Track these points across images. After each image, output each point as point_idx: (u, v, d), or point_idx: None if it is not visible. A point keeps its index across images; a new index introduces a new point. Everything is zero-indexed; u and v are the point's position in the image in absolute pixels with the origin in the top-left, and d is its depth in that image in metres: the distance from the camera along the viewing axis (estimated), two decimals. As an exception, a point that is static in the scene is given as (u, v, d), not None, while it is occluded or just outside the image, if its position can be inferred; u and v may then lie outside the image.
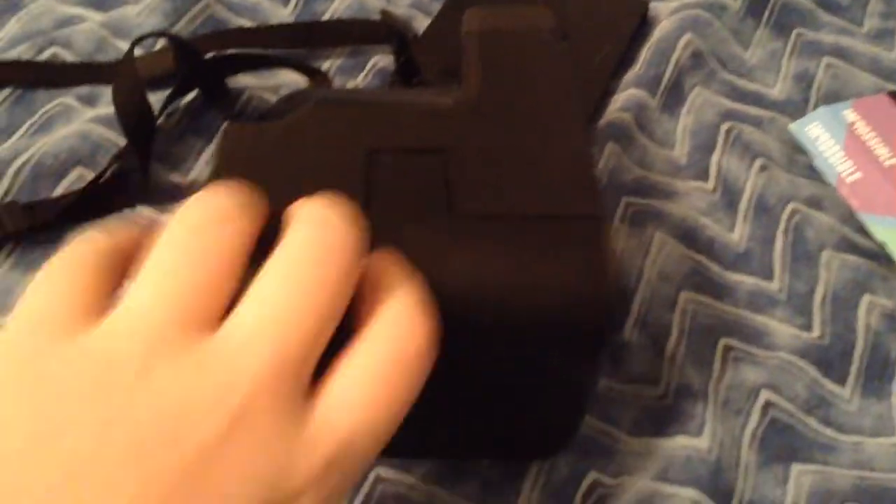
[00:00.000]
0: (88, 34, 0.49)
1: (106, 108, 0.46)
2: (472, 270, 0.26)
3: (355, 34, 0.51)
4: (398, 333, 0.20)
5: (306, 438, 0.19)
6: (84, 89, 0.48)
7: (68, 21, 0.50)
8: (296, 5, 0.53)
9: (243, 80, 0.49)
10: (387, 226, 0.25)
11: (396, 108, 0.30)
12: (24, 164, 0.44)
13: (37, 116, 0.46)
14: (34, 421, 0.18)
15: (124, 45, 0.50)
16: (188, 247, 0.20)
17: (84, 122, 0.45)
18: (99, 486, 0.17)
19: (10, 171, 0.43)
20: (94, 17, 0.50)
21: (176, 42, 0.45)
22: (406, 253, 0.25)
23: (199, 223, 0.20)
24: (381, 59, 0.51)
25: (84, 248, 0.21)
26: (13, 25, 0.50)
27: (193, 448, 0.17)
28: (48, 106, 0.47)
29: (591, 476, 0.35)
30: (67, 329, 0.19)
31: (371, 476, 0.34)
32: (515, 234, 0.27)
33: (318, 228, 0.20)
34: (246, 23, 0.51)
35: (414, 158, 0.28)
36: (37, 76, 0.47)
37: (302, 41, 0.50)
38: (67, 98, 0.47)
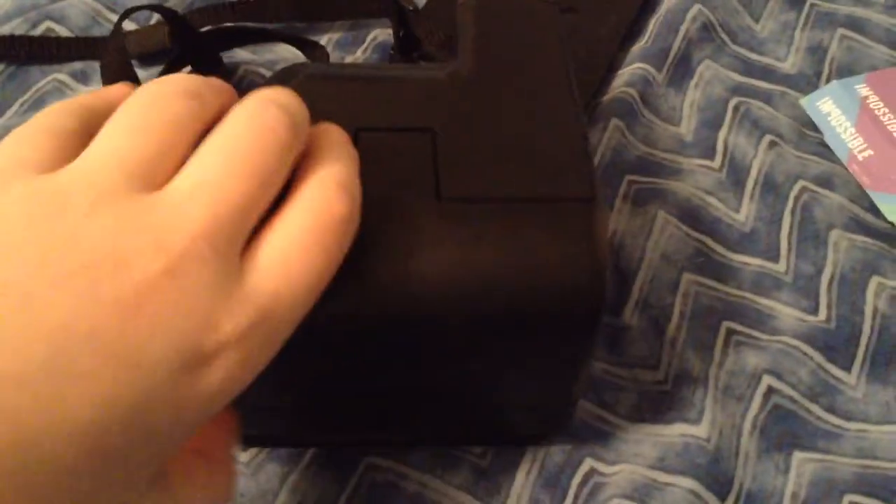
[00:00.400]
0: (82, 8, 0.48)
1: (98, 84, 0.45)
2: (459, 257, 0.25)
3: (355, 7, 0.49)
4: (317, 207, 0.22)
5: (234, 296, 0.20)
6: (78, 65, 0.47)
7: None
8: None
9: (238, 56, 0.48)
10: (372, 209, 0.24)
11: (387, 84, 0.29)
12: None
13: (29, 94, 0.46)
14: None
15: (119, 20, 0.49)
16: (147, 112, 0.22)
17: (77, 100, 0.44)
18: (38, 302, 0.18)
19: (3, 149, 0.43)
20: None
21: (169, 16, 0.44)
22: (392, 238, 0.25)
23: (161, 94, 0.22)
24: (381, 34, 0.49)
25: (68, 105, 0.23)
26: (6, 0, 0.49)
27: (129, 286, 0.19)
28: (41, 83, 0.46)
29: (587, 464, 0.34)
30: (30, 170, 0.20)
31: (362, 464, 0.34)
32: (505, 218, 0.26)
33: (258, 108, 0.22)
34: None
35: (402, 138, 0.27)
36: (30, 52, 0.46)
37: (300, 14, 0.49)
38: (61, 75, 0.46)
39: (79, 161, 0.21)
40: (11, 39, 0.47)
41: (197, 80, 0.23)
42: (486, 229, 0.25)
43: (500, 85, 0.29)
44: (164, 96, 0.22)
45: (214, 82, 0.24)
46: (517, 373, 0.29)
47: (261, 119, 0.22)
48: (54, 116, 0.22)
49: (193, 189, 0.20)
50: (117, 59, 0.41)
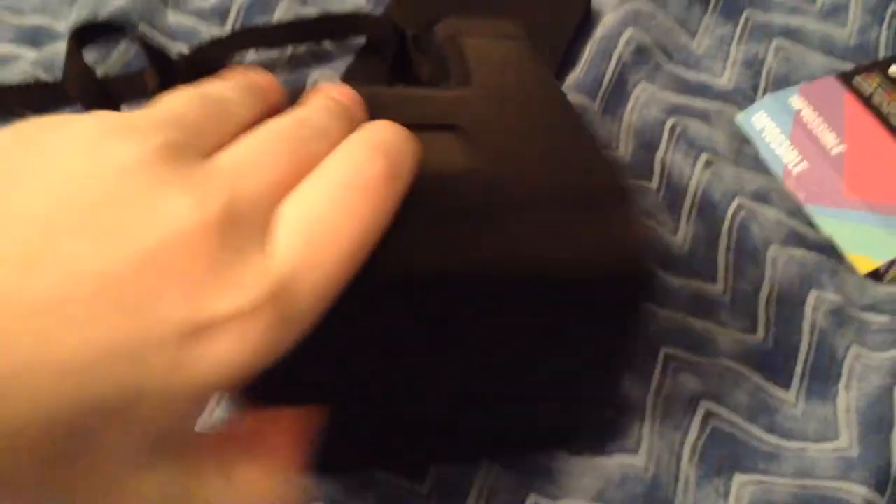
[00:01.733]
0: (21, 76, 0.49)
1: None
2: (508, 245, 0.25)
3: (354, 28, 0.50)
4: (343, 171, 0.22)
5: (249, 270, 0.20)
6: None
7: (1, 61, 0.50)
8: (233, 25, 0.52)
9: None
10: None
11: (402, 95, 0.30)
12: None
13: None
14: (30, 165, 0.19)
15: (61, 81, 0.49)
16: (201, 91, 0.23)
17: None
18: (60, 233, 0.18)
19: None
20: (27, 56, 0.50)
21: (134, 34, 0.46)
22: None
23: (217, 81, 0.24)
24: (322, 73, 0.50)
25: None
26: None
27: (154, 238, 0.19)
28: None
29: (531, 499, 0.35)
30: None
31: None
32: (549, 208, 0.26)
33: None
34: (183, 48, 0.51)
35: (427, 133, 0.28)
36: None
37: (301, 35, 0.50)
38: None
39: (139, 113, 0.21)
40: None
41: (249, 79, 0.25)
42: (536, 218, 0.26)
43: (505, 99, 0.30)
44: (217, 82, 0.24)
45: (260, 87, 0.25)
46: (559, 364, 0.30)
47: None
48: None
49: (237, 162, 0.21)
50: (83, 79, 0.42)
